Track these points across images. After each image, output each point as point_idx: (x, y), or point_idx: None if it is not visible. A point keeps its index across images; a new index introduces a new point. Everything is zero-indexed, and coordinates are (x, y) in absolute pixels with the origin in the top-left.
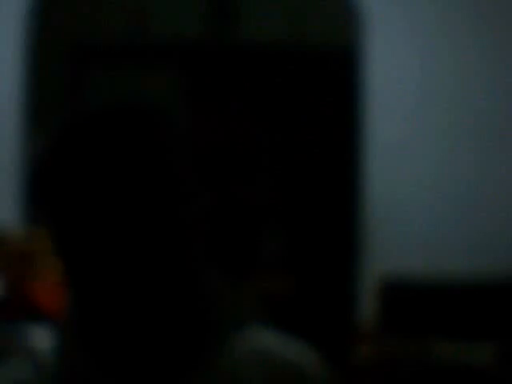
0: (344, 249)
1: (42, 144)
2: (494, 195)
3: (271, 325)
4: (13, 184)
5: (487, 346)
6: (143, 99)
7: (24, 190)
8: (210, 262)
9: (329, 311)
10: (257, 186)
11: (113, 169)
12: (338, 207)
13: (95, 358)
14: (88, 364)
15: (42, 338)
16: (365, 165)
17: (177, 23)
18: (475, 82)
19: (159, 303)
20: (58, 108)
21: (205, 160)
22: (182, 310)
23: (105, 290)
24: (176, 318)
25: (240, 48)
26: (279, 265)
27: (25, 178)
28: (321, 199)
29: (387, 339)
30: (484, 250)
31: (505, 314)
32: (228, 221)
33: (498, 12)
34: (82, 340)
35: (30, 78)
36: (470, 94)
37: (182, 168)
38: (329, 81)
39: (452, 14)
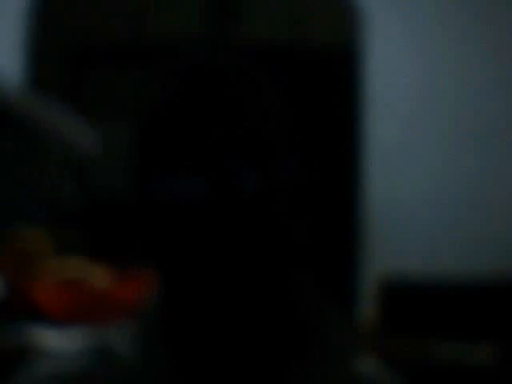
0: (344, 249)
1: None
2: (493, 195)
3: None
4: None
5: (487, 346)
6: (143, 99)
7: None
8: (307, 268)
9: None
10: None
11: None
12: (338, 207)
13: (176, 361)
14: (168, 367)
15: (42, 338)
16: (365, 165)
17: (177, 23)
18: (475, 81)
19: (249, 307)
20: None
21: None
22: (272, 320)
23: (195, 292)
24: (264, 328)
25: (240, 48)
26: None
27: None
28: (321, 199)
29: (387, 339)
30: (484, 250)
31: (505, 314)
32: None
33: (498, 12)
34: (165, 341)
35: (30, 78)
36: (470, 94)
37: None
38: (329, 80)
39: (452, 14)
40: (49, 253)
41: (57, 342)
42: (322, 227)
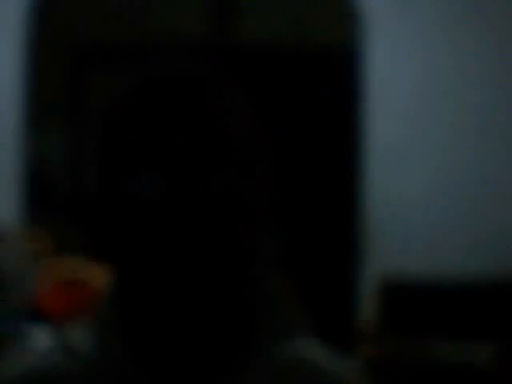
0: (344, 249)
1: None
2: (494, 195)
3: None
4: (13, 184)
5: (487, 346)
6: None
7: (24, 187)
8: (266, 257)
9: (329, 312)
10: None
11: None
12: (339, 207)
13: (134, 350)
14: (126, 357)
15: (42, 338)
16: (365, 165)
17: (177, 23)
18: (475, 81)
19: (205, 298)
20: (58, 108)
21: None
22: (228, 307)
23: (150, 281)
24: (221, 315)
25: (240, 48)
26: (279, 265)
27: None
28: (321, 199)
29: (387, 339)
30: (484, 250)
31: (505, 314)
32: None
33: (498, 12)
34: (122, 332)
35: (30, 78)
36: (471, 94)
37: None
38: (329, 80)
39: (452, 14)
40: (49, 253)
41: (56, 341)
42: (321, 227)
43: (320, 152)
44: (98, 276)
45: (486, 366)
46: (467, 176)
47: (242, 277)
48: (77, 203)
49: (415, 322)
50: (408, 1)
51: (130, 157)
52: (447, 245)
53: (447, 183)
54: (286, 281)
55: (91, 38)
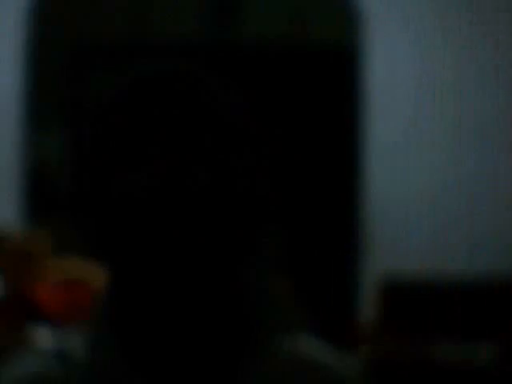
0: (344, 249)
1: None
2: (494, 195)
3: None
4: (13, 184)
5: (487, 346)
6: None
7: (24, 187)
8: (260, 254)
9: (329, 312)
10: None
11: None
12: (338, 207)
13: (129, 356)
14: (121, 362)
15: (42, 338)
16: (365, 165)
17: (177, 23)
18: (475, 81)
19: (200, 297)
20: (58, 108)
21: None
22: (222, 309)
23: (143, 285)
24: (215, 317)
25: (240, 47)
26: (279, 265)
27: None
28: (321, 199)
29: (387, 339)
30: (484, 250)
31: (505, 314)
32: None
33: (498, 12)
34: (117, 338)
35: (30, 78)
36: (470, 94)
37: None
38: (329, 80)
39: (452, 14)
40: (48, 253)
41: (55, 341)
42: (321, 227)
43: (319, 151)
44: (98, 276)
45: (486, 366)
46: (467, 176)
47: (238, 274)
48: (73, 204)
49: (415, 322)
50: (408, 1)
51: (122, 155)
52: (447, 245)
53: (447, 183)
54: (285, 280)
55: (91, 38)
